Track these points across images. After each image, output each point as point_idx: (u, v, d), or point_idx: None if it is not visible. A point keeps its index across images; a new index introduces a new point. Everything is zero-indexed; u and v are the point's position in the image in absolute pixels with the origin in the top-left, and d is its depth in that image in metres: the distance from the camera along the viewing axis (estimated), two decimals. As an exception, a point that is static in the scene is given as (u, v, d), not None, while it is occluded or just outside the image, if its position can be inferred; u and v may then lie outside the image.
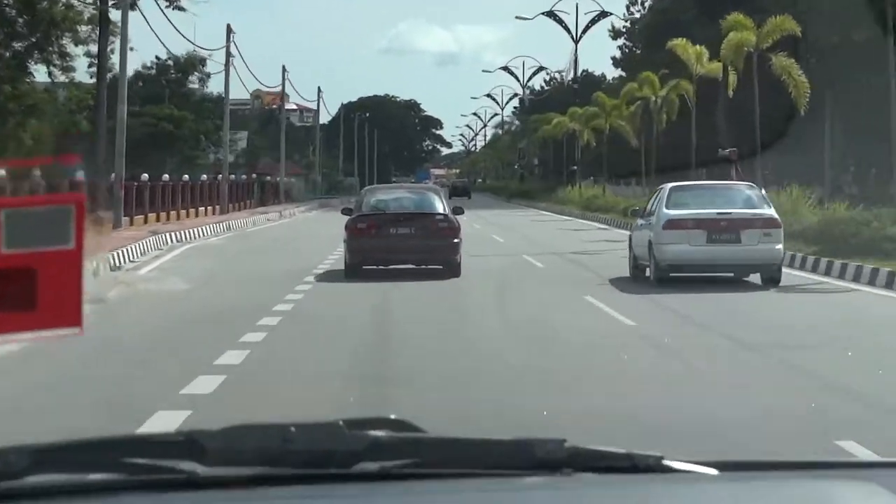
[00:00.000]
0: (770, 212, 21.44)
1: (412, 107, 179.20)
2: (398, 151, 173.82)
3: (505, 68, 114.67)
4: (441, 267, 22.62)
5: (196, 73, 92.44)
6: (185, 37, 73.50)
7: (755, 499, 2.08)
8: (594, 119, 69.24)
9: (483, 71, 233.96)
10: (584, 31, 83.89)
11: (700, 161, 40.53)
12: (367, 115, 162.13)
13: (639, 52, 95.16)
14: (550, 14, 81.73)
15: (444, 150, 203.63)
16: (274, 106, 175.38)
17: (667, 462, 2.20)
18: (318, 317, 17.21)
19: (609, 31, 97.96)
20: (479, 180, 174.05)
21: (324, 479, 2.10)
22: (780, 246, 21.13)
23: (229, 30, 62.43)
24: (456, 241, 22.66)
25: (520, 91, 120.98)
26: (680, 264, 21.18)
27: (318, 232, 41.44)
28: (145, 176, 53.80)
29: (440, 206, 23.49)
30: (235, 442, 2.11)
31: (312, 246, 33.71)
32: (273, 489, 2.09)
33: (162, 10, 54.17)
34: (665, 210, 21.54)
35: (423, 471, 2.11)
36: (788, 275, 22.43)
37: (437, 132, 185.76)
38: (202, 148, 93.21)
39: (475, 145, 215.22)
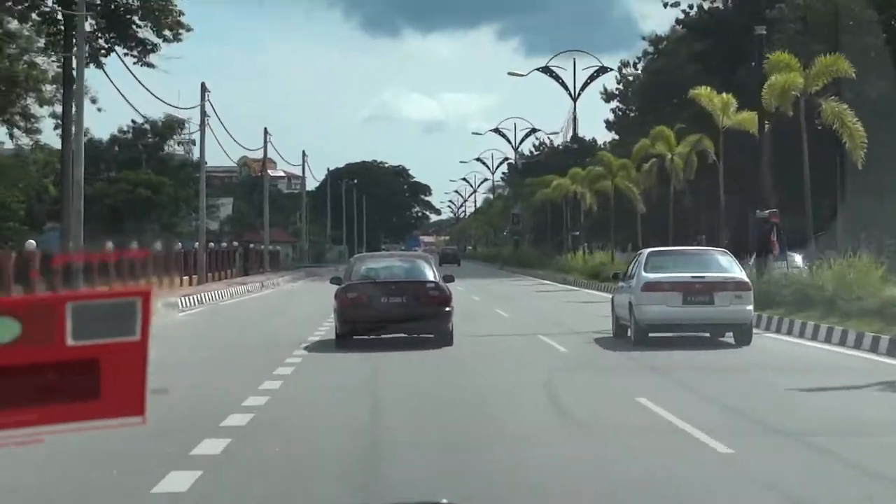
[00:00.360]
0: (741, 275, 22.80)
1: (400, 173, 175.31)
2: (387, 218, 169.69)
3: (496, 130, 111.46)
4: (432, 336, 22.35)
5: (175, 138, 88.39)
6: (154, 95, 68.93)
7: None
8: (599, 180, 64.89)
9: (473, 133, 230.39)
10: (584, 88, 79.31)
11: (727, 224, 36.46)
12: (355, 181, 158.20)
13: (633, 114, 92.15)
14: (546, 70, 78.00)
15: (433, 217, 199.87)
16: (261, 174, 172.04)
17: None
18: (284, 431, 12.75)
19: (601, 93, 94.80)
20: (470, 247, 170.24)
21: None
22: (750, 307, 22.32)
23: (204, 88, 58.33)
24: (447, 309, 22.29)
25: (510, 155, 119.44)
26: (658, 324, 22.43)
27: (301, 306, 37.70)
28: (110, 245, 49.69)
29: (431, 273, 23.24)
30: None
31: (293, 322, 29.79)
32: None
33: (128, 68, 50.02)
34: (644, 273, 22.85)
35: None
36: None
37: (426, 199, 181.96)
38: (182, 215, 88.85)
39: (464, 211, 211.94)
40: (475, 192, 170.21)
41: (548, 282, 60.60)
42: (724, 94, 37.08)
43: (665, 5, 78.04)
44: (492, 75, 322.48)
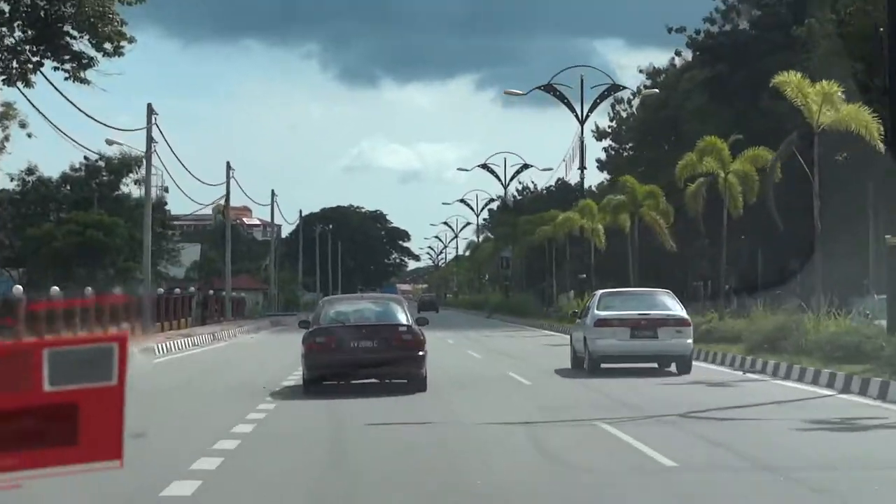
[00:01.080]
0: (681, 313, 26.71)
1: (378, 218, 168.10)
2: (364, 265, 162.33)
3: (484, 166, 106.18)
4: (405, 381, 21.74)
5: (132, 176, 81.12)
6: (89, 115, 61.31)
7: None
8: (620, 212, 54.90)
9: (459, 169, 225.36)
10: (593, 108, 69.88)
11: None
12: (331, 226, 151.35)
13: (626, 153, 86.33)
14: (549, 88, 71.57)
15: (412, 264, 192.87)
16: (236, 221, 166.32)
17: None
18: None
19: (593, 131, 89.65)
20: (450, 294, 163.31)
21: None
22: (689, 340, 26.13)
23: (150, 110, 51.02)
24: (421, 353, 21.58)
25: (495, 196, 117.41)
26: (609, 355, 26.23)
27: (239, 375, 27.43)
28: (55, 289, 43.94)
29: (403, 316, 22.50)
30: None
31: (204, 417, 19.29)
32: None
33: (56, 88, 42.82)
34: (596, 311, 26.90)
35: None
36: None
37: (405, 244, 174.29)
38: (138, 259, 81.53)
39: (444, 258, 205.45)
40: (457, 236, 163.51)
41: (554, 333, 51.42)
42: (823, 83, 29.05)
43: (669, 31, 73.28)
44: (470, 126, 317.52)
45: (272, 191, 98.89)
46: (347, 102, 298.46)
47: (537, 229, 76.71)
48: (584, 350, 26.53)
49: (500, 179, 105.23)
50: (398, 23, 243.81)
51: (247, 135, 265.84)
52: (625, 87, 75.81)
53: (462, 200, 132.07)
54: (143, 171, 67.54)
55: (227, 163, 77.70)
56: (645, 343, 26.05)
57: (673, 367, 26.28)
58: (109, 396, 2.13)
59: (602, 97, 70.96)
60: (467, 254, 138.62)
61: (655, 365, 26.60)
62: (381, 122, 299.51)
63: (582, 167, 67.83)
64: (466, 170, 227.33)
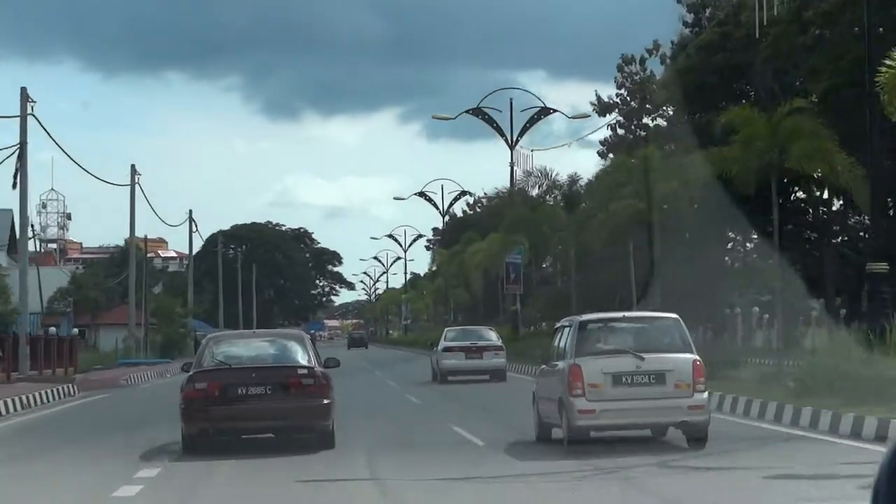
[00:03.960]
0: (498, 342, 41.21)
1: (301, 237, 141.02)
2: (285, 294, 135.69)
3: (421, 193, 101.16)
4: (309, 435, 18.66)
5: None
6: None
7: None
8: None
9: (394, 198, 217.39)
10: (524, 131, 66.45)
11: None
12: (244, 247, 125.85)
13: (646, 123, 66.85)
14: (478, 111, 71.63)
15: (344, 294, 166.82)
16: (150, 255, 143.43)
17: None
18: None
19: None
20: (395, 331, 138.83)
21: None
22: (504, 360, 40.46)
23: (25, 96, 40.01)
24: (326, 401, 18.35)
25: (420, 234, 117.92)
26: (454, 371, 39.89)
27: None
28: None
29: (304, 356, 18.89)
30: None
31: None
32: None
33: None
34: (443, 342, 41.33)
35: None
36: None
37: (335, 269, 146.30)
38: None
39: (374, 292, 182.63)
40: (386, 272, 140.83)
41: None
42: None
43: (686, 24, 59.43)
44: (395, 159, 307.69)
45: (189, 210, 75.52)
46: (271, 136, 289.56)
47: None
48: (436, 366, 40.89)
49: (437, 207, 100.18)
50: (319, 54, 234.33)
51: (166, 168, 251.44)
52: (556, 111, 70.14)
53: (390, 235, 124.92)
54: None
55: (132, 166, 61.20)
56: (475, 362, 39.97)
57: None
58: None
59: (532, 121, 67.18)
60: (431, 270, 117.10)
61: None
62: (304, 156, 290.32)
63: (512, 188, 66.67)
64: (402, 199, 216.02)
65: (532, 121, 67.21)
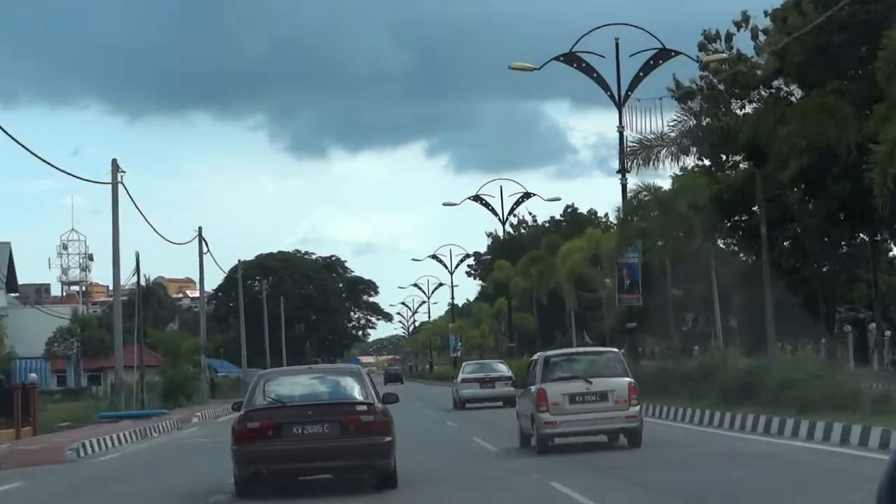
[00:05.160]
0: (508, 373, 47.64)
1: (333, 266, 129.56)
2: (316, 328, 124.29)
3: (434, 256, 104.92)
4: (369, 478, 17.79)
5: None
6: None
7: None
8: None
9: (413, 260, 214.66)
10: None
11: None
12: (269, 278, 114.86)
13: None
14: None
15: (379, 329, 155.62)
16: (177, 294, 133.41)
17: None
18: None
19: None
20: (435, 367, 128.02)
21: None
22: (512, 388, 42.92)
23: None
24: (387, 439, 17.48)
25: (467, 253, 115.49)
26: (471, 399, 46.65)
27: None
28: None
29: (363, 392, 17.91)
30: None
31: None
32: None
33: None
34: (461, 374, 49.46)
35: None
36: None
37: (371, 299, 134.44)
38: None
39: (414, 323, 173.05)
40: (429, 298, 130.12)
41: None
42: None
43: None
44: (422, 193, 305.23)
45: (199, 228, 64.65)
46: (297, 174, 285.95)
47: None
48: (456, 395, 46.71)
49: (447, 267, 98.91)
50: (344, 91, 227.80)
51: (194, 211, 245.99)
52: (679, 53, 50.27)
53: (434, 256, 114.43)
54: None
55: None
56: (489, 391, 46.11)
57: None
58: None
59: (647, 68, 47.84)
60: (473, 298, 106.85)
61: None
62: (332, 193, 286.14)
63: (623, 169, 45.75)
64: (418, 260, 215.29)
65: (648, 67, 48.26)
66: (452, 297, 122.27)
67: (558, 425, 23.20)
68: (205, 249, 72.59)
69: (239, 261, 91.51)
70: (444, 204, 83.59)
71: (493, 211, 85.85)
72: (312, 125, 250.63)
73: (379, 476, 17.61)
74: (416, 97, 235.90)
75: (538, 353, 26.63)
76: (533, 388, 23.93)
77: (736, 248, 60.44)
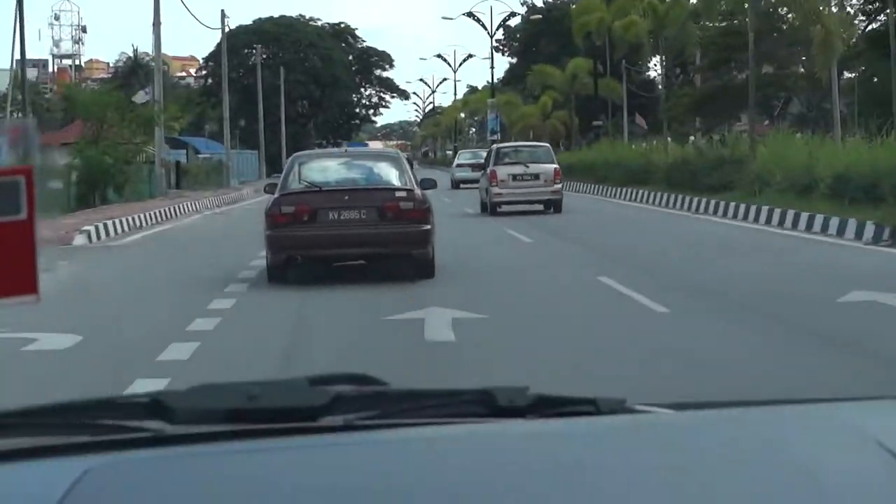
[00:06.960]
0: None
1: (341, 34, 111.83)
2: (322, 107, 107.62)
3: (469, 14, 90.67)
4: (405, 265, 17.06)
5: None
6: None
7: (716, 434, 2.15)
8: None
9: (443, 18, 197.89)
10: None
11: None
12: (270, 47, 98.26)
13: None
14: (470, 14, 74.59)
15: (395, 109, 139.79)
16: (180, 73, 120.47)
17: (630, 405, 2.27)
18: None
19: None
20: (449, 151, 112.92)
21: (289, 433, 2.08)
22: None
23: None
24: (426, 227, 16.87)
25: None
26: (463, 181, 53.91)
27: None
28: None
29: (401, 178, 17.19)
30: (201, 401, 2.14)
31: None
32: (238, 443, 2.06)
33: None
34: (457, 160, 62.70)
35: (385, 422, 2.12)
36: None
37: (385, 74, 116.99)
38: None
39: (431, 105, 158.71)
40: (455, 70, 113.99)
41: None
42: None
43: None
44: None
45: (222, 11, 48.14)
46: None
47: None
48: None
49: (485, 28, 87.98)
50: None
51: None
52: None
53: (439, 55, 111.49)
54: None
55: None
56: (476, 174, 44.97)
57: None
58: (20, 231, 2.07)
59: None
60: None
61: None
62: None
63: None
64: (450, 18, 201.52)
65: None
66: (492, 65, 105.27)
67: (504, 195, 33.66)
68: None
69: (222, 11, 74.39)
70: (443, 18, 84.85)
71: (484, 26, 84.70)
72: None
73: (416, 265, 16.85)
74: None
75: (492, 145, 40.60)
76: (487, 170, 34.65)
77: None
